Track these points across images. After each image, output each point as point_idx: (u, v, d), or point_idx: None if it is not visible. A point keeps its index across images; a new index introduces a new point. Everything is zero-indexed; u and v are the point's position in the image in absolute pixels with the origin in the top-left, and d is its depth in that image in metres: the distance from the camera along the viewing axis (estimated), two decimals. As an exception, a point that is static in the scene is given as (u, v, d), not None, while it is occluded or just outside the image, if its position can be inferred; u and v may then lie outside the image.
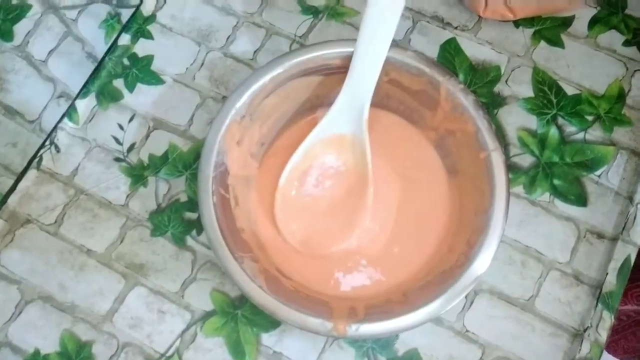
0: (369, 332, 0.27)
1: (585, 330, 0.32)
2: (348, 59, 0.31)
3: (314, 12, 0.40)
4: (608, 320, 0.32)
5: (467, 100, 0.30)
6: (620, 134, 0.36)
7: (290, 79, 0.32)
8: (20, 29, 0.29)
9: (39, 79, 0.33)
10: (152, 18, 0.40)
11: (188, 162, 0.36)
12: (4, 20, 0.28)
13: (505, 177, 0.29)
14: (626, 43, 0.38)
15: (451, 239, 0.32)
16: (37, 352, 0.33)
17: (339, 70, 0.32)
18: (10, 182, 0.35)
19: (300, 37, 0.39)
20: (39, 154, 0.36)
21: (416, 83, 0.32)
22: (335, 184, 0.33)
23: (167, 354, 0.33)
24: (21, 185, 0.36)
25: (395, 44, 0.30)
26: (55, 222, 0.35)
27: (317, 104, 0.35)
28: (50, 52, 0.33)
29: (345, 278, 0.33)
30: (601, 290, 0.32)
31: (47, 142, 0.36)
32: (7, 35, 0.29)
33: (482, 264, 0.28)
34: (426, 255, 0.32)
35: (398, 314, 0.28)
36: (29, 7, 0.29)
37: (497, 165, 0.30)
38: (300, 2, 0.40)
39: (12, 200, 0.35)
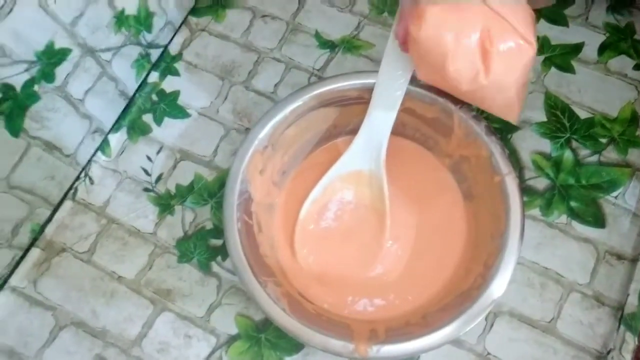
0: (390, 354, 0.28)
1: (608, 353, 0.32)
2: (364, 91, 0.33)
3: (330, 46, 0.42)
4: (631, 342, 0.31)
5: (479, 127, 0.32)
6: (635, 155, 0.37)
7: (310, 111, 0.34)
8: (61, 71, 0.32)
9: (77, 116, 0.35)
10: (178, 56, 0.42)
11: (213, 191, 0.38)
12: (47, 64, 0.31)
13: (520, 200, 0.30)
14: (636, 67, 0.39)
15: (468, 261, 0.32)
16: (70, 376, 0.34)
17: (356, 101, 0.34)
18: (48, 212, 0.37)
19: (318, 70, 0.41)
20: (74, 186, 0.38)
21: (430, 111, 0.33)
22: (354, 218, 0.35)
23: (194, 378, 0.34)
24: (57, 215, 0.38)
25: (408, 75, 0.32)
26: (89, 250, 0.37)
27: (335, 132, 0.37)
28: (87, 91, 0.35)
29: (365, 302, 0.33)
30: (623, 311, 0.32)
31: (82, 175, 0.39)
32: (50, 77, 0.31)
33: (499, 286, 0.28)
34: (444, 278, 0.33)
35: (417, 335, 0.28)
36: (69, 51, 0.32)
37: (511, 189, 0.30)
38: (318, 37, 0.42)
39: (49, 230, 0.37)
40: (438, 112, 0.33)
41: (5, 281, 0.36)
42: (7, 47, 0.28)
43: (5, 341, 0.35)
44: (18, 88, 0.30)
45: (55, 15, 0.30)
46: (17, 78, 0.29)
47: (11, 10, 0.27)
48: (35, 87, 0.31)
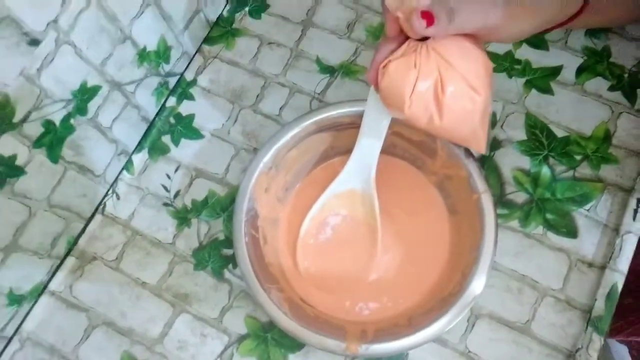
0: (377, 351, 0.32)
1: (577, 352, 0.36)
2: (356, 117, 0.37)
3: (330, 71, 0.46)
4: (597, 341, 0.35)
5: (459, 150, 0.35)
6: (607, 171, 0.40)
7: (308, 135, 0.38)
8: (93, 105, 0.37)
9: (105, 142, 0.40)
10: (193, 82, 0.47)
11: (225, 206, 0.43)
12: (81, 100, 0.36)
13: (494, 217, 0.34)
14: (611, 88, 0.42)
15: (450, 270, 0.36)
16: (102, 370, 0.39)
17: (349, 126, 0.38)
18: (81, 226, 0.42)
19: (319, 93, 0.45)
20: (103, 202, 0.43)
21: (416, 135, 0.37)
22: (348, 232, 0.39)
23: (209, 372, 0.39)
24: (89, 228, 0.43)
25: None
26: (116, 258, 0.42)
27: (332, 153, 0.41)
28: (114, 120, 0.40)
29: (362, 305, 0.37)
30: (591, 314, 0.36)
31: (110, 191, 0.44)
32: (83, 111, 0.36)
33: (473, 292, 0.32)
34: (429, 284, 0.37)
35: (403, 335, 0.32)
36: (100, 87, 0.37)
37: (486, 206, 0.34)
38: (318, 62, 0.46)
39: (82, 241, 0.42)
40: (423, 136, 0.37)
41: (46, 286, 0.41)
42: (49, 90, 0.33)
43: (47, 338, 0.40)
44: (57, 123, 0.34)
45: (88, 59, 0.35)
46: (57, 114, 0.34)
47: (52, 59, 0.32)
48: (72, 121, 0.36)
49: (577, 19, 0.32)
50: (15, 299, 0.38)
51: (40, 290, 0.40)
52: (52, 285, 0.41)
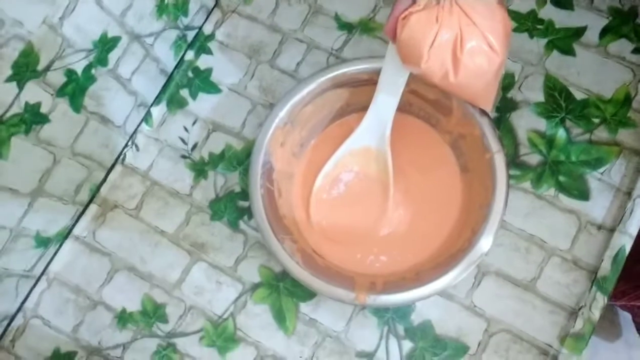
0: (385, 302, 0.33)
1: (579, 309, 0.37)
2: (373, 73, 0.37)
3: (348, 27, 0.45)
4: (601, 301, 0.36)
5: (474, 109, 0.35)
6: (624, 135, 0.40)
7: (325, 91, 0.38)
8: (113, 56, 0.37)
9: (125, 93, 0.41)
10: (211, 36, 0.47)
11: (241, 159, 0.44)
12: (102, 50, 0.36)
13: (506, 176, 0.34)
14: (635, 51, 0.41)
15: (460, 227, 0.37)
16: (124, 310, 0.41)
17: (366, 83, 0.38)
18: (102, 175, 0.43)
19: (336, 50, 0.45)
20: (123, 152, 0.45)
21: (431, 93, 0.37)
22: (361, 188, 0.39)
23: (224, 317, 0.41)
24: (110, 177, 0.44)
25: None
26: (136, 207, 0.44)
27: (348, 110, 0.41)
28: (134, 72, 0.41)
29: (372, 258, 0.39)
30: (596, 274, 0.37)
31: (130, 143, 0.45)
32: (104, 62, 0.37)
33: (481, 249, 0.33)
34: (440, 240, 0.38)
35: (409, 287, 0.34)
36: (119, 38, 0.37)
37: (499, 166, 0.34)
38: (337, 19, 0.46)
39: (104, 189, 0.44)
40: (439, 94, 0.37)
41: (70, 231, 0.43)
42: (71, 39, 0.33)
43: (72, 279, 0.42)
44: (79, 72, 0.35)
45: (108, 9, 0.35)
46: (78, 64, 0.35)
47: (74, 8, 0.32)
48: (93, 71, 0.36)
49: None
50: (42, 241, 0.40)
51: (65, 234, 0.42)
52: (77, 230, 0.43)
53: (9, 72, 0.30)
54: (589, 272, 0.38)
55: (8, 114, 0.32)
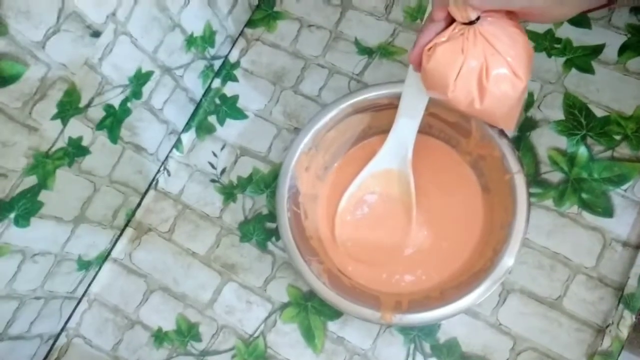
0: (410, 321, 0.34)
1: (607, 327, 0.37)
2: (393, 98, 0.38)
3: (368, 52, 0.47)
4: (629, 318, 0.36)
5: (493, 131, 0.36)
6: (647, 151, 0.40)
7: (347, 116, 0.40)
8: (147, 89, 0.40)
9: (157, 122, 0.43)
10: (237, 64, 0.49)
11: (268, 182, 0.45)
12: (137, 84, 0.39)
13: (526, 196, 0.35)
14: (655, 67, 0.41)
15: (482, 246, 0.38)
16: (160, 329, 0.43)
17: (387, 107, 0.39)
18: (137, 200, 0.46)
19: (357, 74, 0.47)
20: (156, 178, 0.47)
21: (451, 116, 0.38)
22: (384, 209, 0.41)
23: (254, 335, 0.42)
24: (144, 202, 0.46)
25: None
26: (169, 230, 0.46)
27: (370, 133, 0.42)
28: (165, 102, 0.43)
29: (394, 278, 0.40)
30: (623, 292, 0.37)
31: (162, 168, 0.47)
32: (138, 95, 0.39)
33: (503, 268, 0.34)
34: (462, 259, 0.39)
35: (435, 307, 0.34)
36: (152, 72, 0.40)
37: (519, 186, 0.35)
38: (357, 44, 0.47)
39: (138, 213, 0.46)
40: (458, 117, 0.38)
41: (109, 254, 0.45)
42: (110, 77, 0.36)
43: (111, 300, 0.44)
44: (116, 106, 0.38)
45: (142, 47, 0.37)
46: (116, 99, 0.37)
47: (112, 49, 0.35)
48: (128, 104, 0.39)
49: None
50: (83, 265, 0.42)
51: (105, 257, 0.45)
52: (114, 253, 0.45)
53: (54, 110, 0.33)
54: (615, 290, 0.38)
55: (54, 149, 0.34)
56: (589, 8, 0.31)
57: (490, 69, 0.28)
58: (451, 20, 0.30)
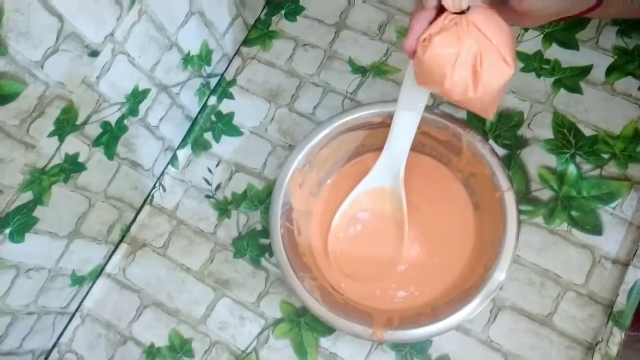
0: (401, 337, 0.35)
1: (597, 344, 0.37)
2: (386, 117, 0.39)
3: (362, 71, 0.48)
4: (618, 335, 0.36)
5: (484, 149, 0.37)
6: (635, 169, 0.40)
7: (340, 134, 0.40)
8: (143, 106, 0.41)
9: (153, 139, 0.44)
10: (233, 82, 0.50)
11: (262, 198, 0.46)
12: (133, 102, 0.39)
13: (516, 214, 0.35)
14: (642, 87, 0.42)
15: (473, 263, 0.38)
16: (152, 345, 0.43)
17: (379, 125, 0.40)
18: (132, 215, 0.46)
19: (351, 93, 0.47)
20: (151, 193, 0.47)
21: (442, 135, 0.39)
22: (377, 226, 0.41)
23: (247, 351, 0.42)
24: (139, 217, 0.47)
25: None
26: (163, 245, 0.46)
27: (363, 150, 0.43)
28: (161, 119, 0.44)
29: (387, 294, 0.40)
30: (612, 309, 0.37)
31: (157, 184, 0.47)
32: (135, 112, 0.40)
33: (494, 285, 0.34)
34: (454, 276, 0.39)
35: (425, 323, 0.35)
36: (149, 90, 0.40)
37: (509, 203, 0.36)
38: (351, 63, 0.48)
39: (133, 229, 0.47)
40: (449, 136, 0.39)
41: (103, 269, 0.45)
42: (107, 95, 0.36)
43: (104, 315, 0.44)
44: (113, 123, 0.38)
45: (140, 66, 0.38)
46: (112, 116, 0.38)
47: (109, 68, 0.35)
48: (125, 121, 0.39)
49: (596, 11, 0.32)
50: (77, 280, 0.42)
51: (98, 272, 0.45)
52: (108, 268, 0.45)
53: (51, 128, 0.33)
54: (604, 307, 0.38)
55: (50, 165, 0.34)
56: (567, 13, 0.32)
57: (483, 57, 0.29)
58: (440, 9, 0.30)
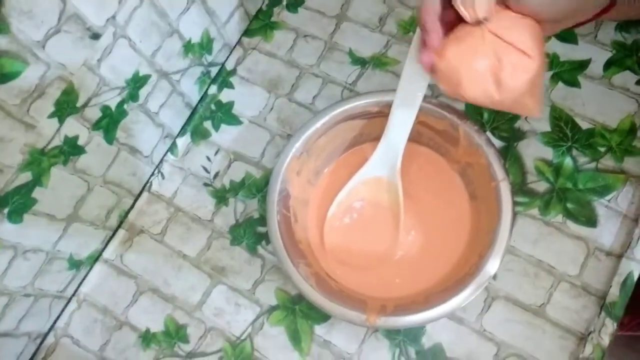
0: (395, 323, 0.35)
1: (589, 335, 0.37)
2: (384, 106, 0.39)
3: (361, 62, 0.48)
4: (610, 326, 0.36)
5: (480, 139, 0.37)
6: (630, 163, 0.41)
7: (338, 123, 0.40)
8: (143, 92, 0.41)
9: (153, 126, 0.44)
10: (233, 71, 0.50)
11: (260, 187, 0.46)
12: (134, 87, 0.39)
13: (511, 203, 0.36)
14: (639, 82, 0.42)
15: (469, 252, 0.38)
16: (148, 331, 0.43)
17: (377, 115, 0.40)
18: (130, 202, 0.46)
19: (350, 84, 0.48)
20: (150, 180, 0.48)
21: (440, 124, 0.39)
22: (373, 216, 0.41)
23: (242, 337, 0.42)
24: (137, 204, 0.47)
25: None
26: (161, 232, 0.46)
27: (361, 140, 0.43)
28: (161, 106, 0.44)
29: (383, 282, 0.40)
30: (605, 300, 0.37)
31: (156, 171, 0.48)
32: (135, 98, 0.40)
33: (487, 273, 0.34)
34: (450, 266, 0.39)
35: (418, 310, 0.35)
36: (149, 76, 0.41)
37: (504, 193, 0.36)
38: (351, 54, 0.49)
39: (131, 215, 0.47)
40: (447, 126, 0.39)
41: (100, 254, 0.46)
42: (107, 78, 0.37)
43: (100, 301, 0.45)
44: (113, 108, 0.39)
45: (141, 51, 0.38)
46: (112, 100, 0.38)
47: (110, 51, 0.36)
48: (125, 106, 0.40)
49: (608, 13, 0.32)
50: (74, 264, 0.43)
51: (96, 257, 0.45)
52: (106, 254, 0.46)
53: (52, 109, 0.34)
54: (597, 298, 0.38)
55: (49, 146, 0.35)
56: (577, 20, 0.32)
57: (502, 60, 0.28)
58: (457, 20, 0.30)
